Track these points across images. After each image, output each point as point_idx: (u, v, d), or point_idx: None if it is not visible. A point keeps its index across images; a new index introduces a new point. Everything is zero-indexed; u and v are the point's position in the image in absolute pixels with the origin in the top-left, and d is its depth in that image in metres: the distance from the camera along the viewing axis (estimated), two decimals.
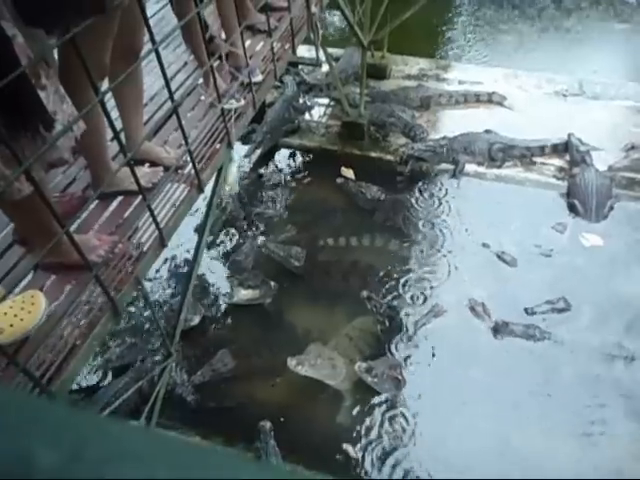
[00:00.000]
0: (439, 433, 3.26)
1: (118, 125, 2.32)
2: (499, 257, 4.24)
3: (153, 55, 1.87)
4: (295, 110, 5.71)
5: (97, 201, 2.29)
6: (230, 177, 3.15)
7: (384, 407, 3.41)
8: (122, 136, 2.41)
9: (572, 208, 4.62)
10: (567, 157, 5.06)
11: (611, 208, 4.58)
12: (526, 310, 3.86)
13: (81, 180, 2.46)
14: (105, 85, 2.12)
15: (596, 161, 4.87)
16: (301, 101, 5.94)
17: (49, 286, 1.93)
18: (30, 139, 1.43)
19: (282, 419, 3.33)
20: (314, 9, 3.84)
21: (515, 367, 3.55)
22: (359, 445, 3.25)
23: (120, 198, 2.34)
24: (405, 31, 5.89)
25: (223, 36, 3.50)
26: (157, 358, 3.56)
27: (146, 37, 1.97)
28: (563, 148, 5.12)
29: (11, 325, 1.56)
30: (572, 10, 8.02)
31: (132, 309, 4.01)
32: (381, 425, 3.33)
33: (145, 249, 2.14)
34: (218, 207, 4.57)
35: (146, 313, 3.97)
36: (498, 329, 3.72)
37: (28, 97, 1.40)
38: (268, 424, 3.14)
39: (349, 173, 5.14)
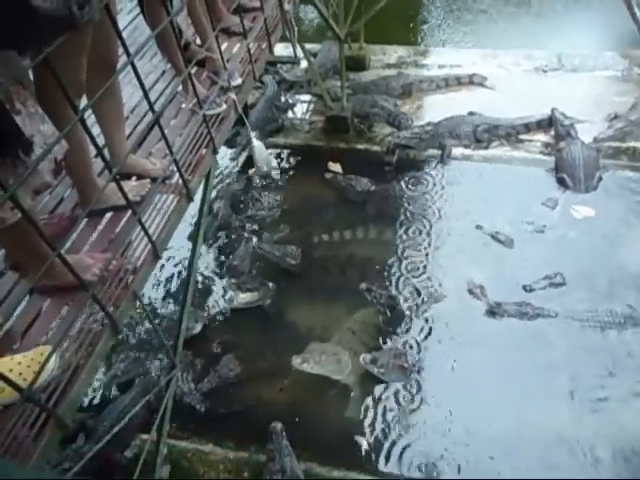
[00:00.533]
0: (450, 419, 3.27)
1: (100, 141, 2.30)
2: (493, 237, 4.26)
3: (130, 67, 1.85)
4: (277, 109, 5.70)
5: (87, 219, 2.27)
6: (262, 159, 3.11)
7: (393, 396, 3.43)
8: (106, 152, 2.40)
9: (561, 182, 4.64)
10: (552, 132, 5.08)
11: (600, 179, 4.61)
12: (524, 287, 3.89)
13: (69, 200, 2.44)
14: (83, 102, 2.11)
15: (581, 133, 4.89)
16: (283, 100, 5.92)
17: (46, 309, 1.91)
18: (11, 166, 1.41)
19: (292, 418, 3.34)
20: (287, 7, 3.82)
21: (519, 345, 3.57)
22: (371, 437, 3.27)
23: (110, 214, 2.33)
24: (380, 20, 5.86)
25: (198, 41, 3.48)
26: (162, 370, 3.56)
27: (121, 49, 1.95)
28: (547, 123, 5.14)
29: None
30: None
31: (133, 323, 4.00)
32: (391, 415, 3.34)
33: (139, 263, 2.13)
34: (209, 213, 4.56)
35: (147, 326, 3.96)
36: (492, 311, 3.75)
37: (4, 123, 1.38)
38: (279, 425, 3.14)
39: (336, 167, 5.13)
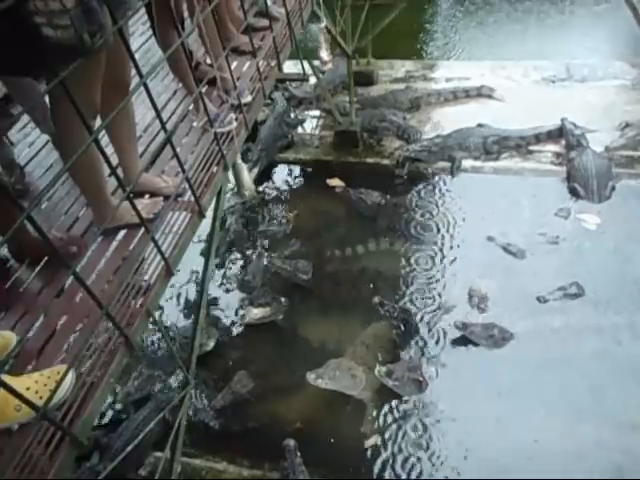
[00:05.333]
0: (465, 434, 3.22)
1: (114, 160, 2.34)
2: (505, 249, 4.22)
3: (142, 87, 1.88)
4: (287, 125, 5.75)
5: (101, 237, 2.30)
6: (245, 182, 3.13)
7: (408, 412, 3.38)
8: (119, 171, 2.43)
9: (573, 192, 4.60)
10: (563, 142, 5.05)
11: (613, 188, 4.56)
12: (538, 299, 3.84)
13: (83, 219, 2.47)
14: (98, 122, 2.15)
15: (592, 143, 4.86)
16: (292, 116, 5.98)
17: (61, 327, 1.93)
18: None
19: (307, 435, 3.31)
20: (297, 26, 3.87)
21: (532, 355, 3.52)
22: (385, 453, 3.22)
23: (123, 232, 2.35)
24: (387, 36, 5.93)
25: (208, 61, 3.54)
26: (176, 387, 3.56)
27: (134, 70, 1.99)
28: (558, 133, 5.11)
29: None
30: None
31: (147, 340, 4.01)
32: (407, 430, 3.30)
33: (153, 280, 2.14)
34: (221, 229, 4.59)
35: (161, 343, 3.97)
36: (462, 334, 3.65)
37: None
38: (292, 442, 3.11)
39: (335, 182, 5.15)
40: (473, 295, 3.91)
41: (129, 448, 2.29)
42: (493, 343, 3.60)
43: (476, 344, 3.62)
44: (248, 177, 3.18)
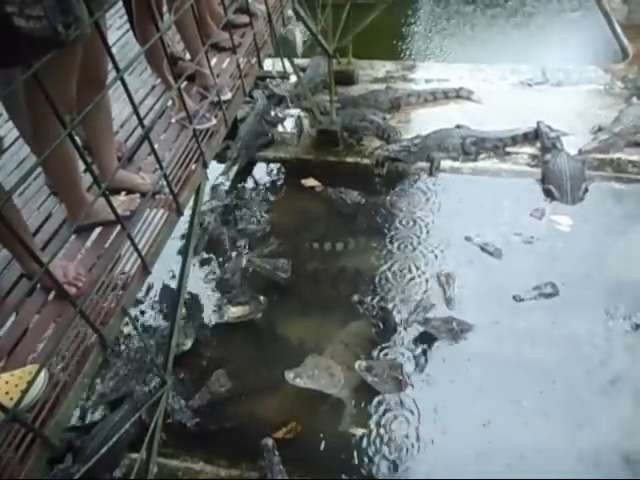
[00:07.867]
0: (445, 434, 3.25)
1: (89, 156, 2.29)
2: (483, 249, 4.29)
3: (119, 82, 1.85)
4: (267, 123, 5.73)
5: (75, 235, 2.25)
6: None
7: (386, 410, 3.40)
8: (95, 167, 2.38)
9: (548, 193, 4.70)
10: (538, 144, 5.16)
11: (586, 190, 4.68)
12: (514, 297, 3.91)
13: (57, 215, 2.41)
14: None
15: (566, 146, 4.98)
16: (272, 114, 5.95)
17: (33, 326, 1.88)
18: None
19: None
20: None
21: (511, 350, 3.58)
22: (366, 451, 3.23)
23: (99, 229, 2.30)
24: (368, 36, 5.96)
25: (188, 57, 3.49)
26: (152, 387, 3.50)
27: (111, 64, 1.95)
28: (533, 136, 5.22)
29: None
30: (528, 2, 8.22)
31: (122, 340, 3.94)
32: (385, 428, 3.32)
33: (129, 278, 2.10)
34: (200, 227, 4.54)
35: (137, 342, 3.90)
36: (425, 330, 3.74)
37: None
38: (270, 441, 3.11)
39: (312, 182, 5.15)
40: (439, 276, 4.06)
41: (104, 449, 2.25)
42: (452, 336, 3.67)
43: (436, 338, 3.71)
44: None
